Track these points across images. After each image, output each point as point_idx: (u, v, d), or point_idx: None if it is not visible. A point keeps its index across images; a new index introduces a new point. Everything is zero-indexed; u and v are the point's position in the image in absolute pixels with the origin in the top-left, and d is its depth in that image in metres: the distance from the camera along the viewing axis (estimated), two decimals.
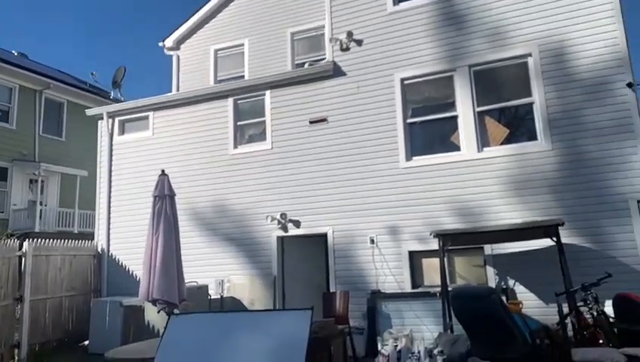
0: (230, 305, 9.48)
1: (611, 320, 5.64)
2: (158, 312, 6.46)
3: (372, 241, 8.96)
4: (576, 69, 8.11)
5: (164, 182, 6.42)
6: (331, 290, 9.01)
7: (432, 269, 8.44)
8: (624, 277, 6.93)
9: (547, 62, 8.32)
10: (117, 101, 15.40)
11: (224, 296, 9.66)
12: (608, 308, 5.83)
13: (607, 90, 7.85)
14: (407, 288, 8.59)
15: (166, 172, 6.82)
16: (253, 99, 10.67)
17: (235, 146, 10.54)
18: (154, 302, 6.28)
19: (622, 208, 7.55)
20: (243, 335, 4.62)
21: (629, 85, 7.62)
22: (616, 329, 5.48)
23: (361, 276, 8.97)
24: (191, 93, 11.30)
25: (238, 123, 10.68)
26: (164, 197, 6.33)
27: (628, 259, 7.37)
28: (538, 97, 8.29)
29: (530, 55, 8.46)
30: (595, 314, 5.75)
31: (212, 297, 9.53)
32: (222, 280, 9.81)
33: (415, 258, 8.76)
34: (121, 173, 11.43)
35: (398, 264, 8.75)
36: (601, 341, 5.57)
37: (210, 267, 9.93)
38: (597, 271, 6.57)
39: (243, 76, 12.74)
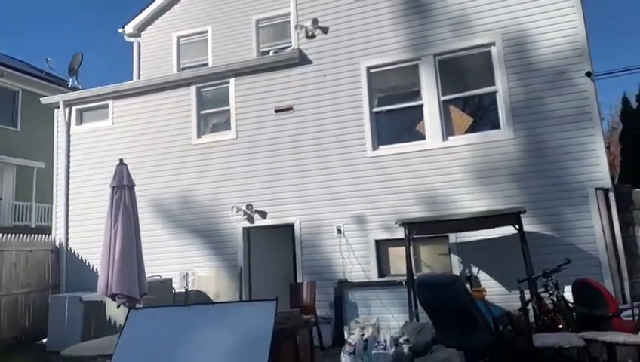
0: (195, 299, 9.28)
1: (570, 305, 5.78)
2: (118, 307, 6.22)
3: (339, 231, 8.93)
4: (537, 59, 8.23)
5: (123, 171, 6.16)
6: (298, 281, 8.95)
7: (398, 258, 8.47)
8: (582, 263, 7.12)
9: (510, 52, 8.40)
10: (75, 89, 14.81)
11: (189, 289, 9.45)
12: (567, 294, 5.98)
13: (567, 80, 8.00)
14: (374, 277, 8.61)
15: (127, 162, 6.55)
16: (217, 87, 10.41)
17: (199, 136, 10.29)
18: (113, 296, 6.04)
19: (581, 196, 7.74)
20: (205, 328, 4.49)
21: (588, 74, 7.78)
22: (574, 314, 5.61)
23: (329, 266, 8.94)
24: (152, 80, 10.95)
25: (202, 112, 10.42)
26: (123, 187, 6.07)
27: (586, 245, 7.57)
28: (501, 86, 8.38)
29: (493, 44, 8.53)
30: (555, 299, 5.87)
31: (176, 291, 9.30)
32: (186, 273, 9.60)
33: (382, 247, 8.78)
34: (79, 164, 11.00)
35: (364, 253, 8.75)
36: (560, 326, 5.70)
37: (175, 260, 9.70)
38: (557, 258, 6.72)
39: (207, 64, 12.41)
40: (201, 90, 10.52)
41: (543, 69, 8.17)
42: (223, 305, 5.14)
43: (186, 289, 9.46)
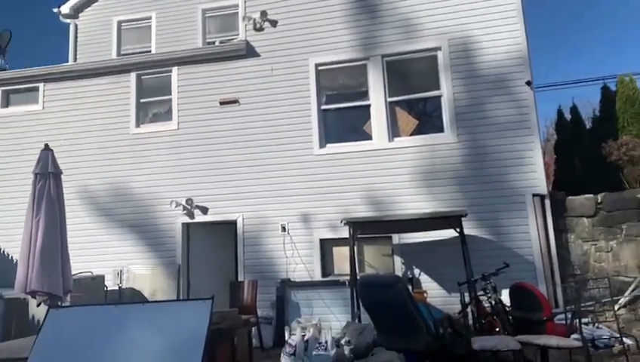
0: (129, 297, 8.77)
1: (507, 308, 5.89)
2: (38, 305, 5.69)
3: (283, 229, 8.73)
4: (481, 65, 8.41)
5: (48, 157, 5.63)
6: (240, 280, 8.66)
7: (342, 258, 8.39)
8: (518, 268, 7.31)
9: (455, 57, 8.54)
10: (2, 70, 13.68)
11: (123, 287, 8.92)
12: (504, 297, 6.10)
13: (508, 88, 8.23)
14: (318, 276, 8.48)
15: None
16: (158, 75, 9.94)
17: (138, 125, 9.77)
18: (33, 293, 5.51)
19: (518, 201, 7.97)
20: (134, 329, 4.16)
21: (528, 83, 8.03)
22: (511, 317, 5.72)
23: (272, 264, 8.72)
24: (89, 64, 10.29)
25: (142, 100, 9.90)
26: (48, 175, 5.55)
27: (522, 250, 7.80)
28: (446, 90, 8.50)
29: (439, 49, 8.64)
30: (493, 302, 5.97)
31: (109, 289, 8.74)
32: (120, 270, 9.06)
33: (326, 246, 8.67)
34: (3, 150, 10.13)
35: (309, 252, 8.60)
36: (497, 328, 5.80)
37: (108, 256, 9.13)
38: (495, 262, 6.84)
39: (149, 52, 11.80)
40: (142, 77, 10.00)
41: (487, 75, 8.36)
42: (155, 304, 4.82)
43: (120, 287, 8.93)
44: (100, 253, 9.11)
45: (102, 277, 8.62)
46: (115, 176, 9.50)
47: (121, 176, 9.48)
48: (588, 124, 12.19)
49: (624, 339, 5.64)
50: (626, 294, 7.42)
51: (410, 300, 5.22)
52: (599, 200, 8.04)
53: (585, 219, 8.08)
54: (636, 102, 9.21)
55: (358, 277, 7.29)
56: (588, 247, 8.00)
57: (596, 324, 6.50)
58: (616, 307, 7.33)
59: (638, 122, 9.06)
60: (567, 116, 11.98)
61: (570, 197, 8.18)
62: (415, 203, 8.23)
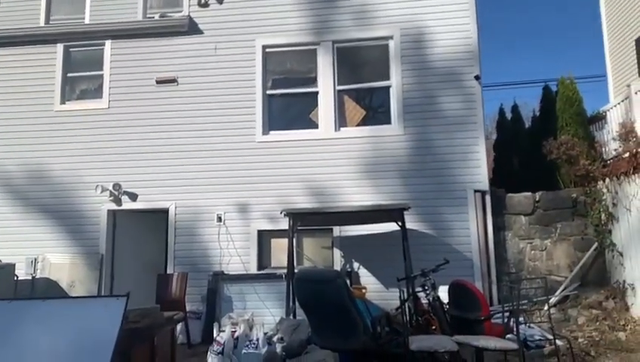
0: (43, 288, 8.02)
1: (445, 306, 5.75)
2: None
3: (219, 219, 8.24)
4: (431, 57, 8.26)
5: None
6: (170, 272, 8.10)
7: (280, 250, 8.02)
8: (457, 264, 7.12)
9: (406, 47, 8.35)
10: None
11: (37, 276, 8.14)
12: (443, 294, 5.96)
13: (457, 81, 8.13)
14: (253, 269, 8.07)
15: None
16: (89, 48, 9.11)
17: (63, 102, 8.93)
18: None
19: (460, 197, 7.90)
20: (30, 329, 3.61)
21: (477, 78, 7.96)
22: (448, 316, 5.58)
23: (205, 256, 8.21)
24: (9, 32, 9.26)
25: (69, 74, 9.04)
26: None
27: (461, 246, 7.74)
28: (395, 81, 8.29)
29: (391, 38, 8.41)
30: (431, 299, 5.81)
31: (20, 278, 7.92)
32: (35, 259, 8.25)
33: (264, 238, 8.27)
34: None
35: (245, 244, 8.17)
36: (434, 327, 5.64)
37: (21, 243, 8.30)
38: (435, 258, 6.66)
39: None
40: (70, 49, 9.14)
41: (436, 68, 8.22)
42: (59, 301, 4.24)
43: (33, 277, 8.15)
44: (11, 238, 8.28)
45: (11, 266, 7.76)
46: (35, 156, 8.64)
47: (41, 157, 8.62)
48: (527, 124, 12.45)
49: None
50: (557, 293, 7.52)
51: (349, 297, 4.93)
52: (537, 199, 8.12)
53: (522, 217, 8.13)
54: (575, 103, 9.39)
55: (296, 271, 6.97)
56: (524, 245, 8.06)
57: (528, 324, 6.50)
58: (545, 307, 7.42)
59: (576, 123, 9.23)
60: (508, 115, 12.15)
61: (509, 195, 8.21)
62: (358, 195, 7.98)
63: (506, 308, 5.15)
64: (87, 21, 11.00)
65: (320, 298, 4.91)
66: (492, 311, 5.52)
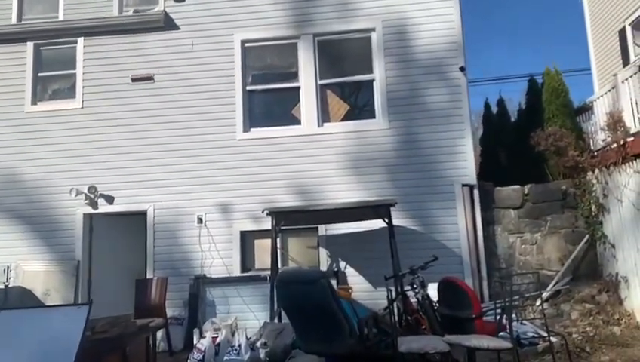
0: (17, 297, 7.67)
1: (435, 304, 5.54)
2: None
3: (200, 221, 7.94)
4: (415, 49, 8.05)
5: None
6: (149, 276, 7.78)
7: (264, 251, 7.72)
8: (445, 261, 6.86)
9: (389, 39, 8.12)
10: None
11: (9, 285, 7.77)
12: (432, 291, 5.74)
13: (442, 73, 7.92)
14: (237, 272, 7.79)
15: None
16: (61, 46, 8.77)
17: (34, 102, 8.57)
18: None
19: (448, 191, 7.69)
20: None
21: (462, 69, 7.77)
22: (438, 314, 5.36)
23: (186, 259, 7.91)
24: None
25: (40, 74, 8.69)
26: None
27: (450, 242, 7.53)
28: (379, 74, 8.07)
29: (374, 30, 8.18)
30: (420, 298, 5.59)
31: None
32: (7, 267, 7.89)
33: (247, 239, 7.99)
34: None
35: (227, 245, 7.88)
36: (424, 326, 5.42)
37: None
38: (423, 254, 6.44)
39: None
40: (41, 47, 8.78)
41: (420, 60, 8.01)
42: (17, 312, 3.94)
43: (6, 286, 7.80)
44: None
45: None
46: (5, 159, 8.29)
47: (11, 161, 8.27)
48: (513, 118, 12.33)
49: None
50: (549, 288, 7.35)
51: (334, 298, 4.68)
52: (526, 192, 7.94)
53: (512, 211, 7.95)
54: (561, 94, 9.26)
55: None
56: (514, 240, 7.88)
57: (521, 321, 6.31)
58: (537, 302, 7.25)
59: (562, 114, 9.10)
60: (494, 109, 12.01)
61: (497, 188, 8.02)
62: (343, 192, 7.74)
63: (497, 305, 4.96)
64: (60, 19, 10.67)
65: (303, 300, 4.66)
66: (484, 309, 5.31)
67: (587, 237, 7.54)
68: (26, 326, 3.32)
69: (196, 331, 6.46)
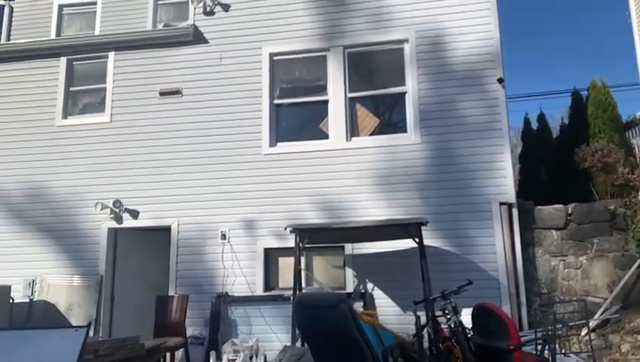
0: (41, 311, 7.65)
1: (468, 332, 5.08)
2: None
3: (224, 237, 7.73)
4: (450, 60, 7.67)
5: None
6: (172, 293, 7.60)
7: (289, 270, 7.37)
8: (481, 284, 6.38)
9: (423, 51, 7.78)
10: None
11: (34, 299, 7.75)
12: (464, 318, 5.28)
13: (478, 85, 7.50)
14: (259, 291, 7.50)
15: None
16: (93, 61, 8.85)
17: (65, 116, 8.65)
18: None
19: (484, 210, 7.20)
20: None
21: (500, 81, 7.33)
22: (473, 345, 4.90)
23: (209, 276, 7.69)
24: (10, 45, 9.11)
25: (71, 88, 8.78)
26: None
27: (486, 265, 7.02)
28: (411, 87, 7.72)
29: (406, 41, 7.86)
30: (452, 325, 5.14)
31: (16, 301, 7.55)
32: (33, 280, 7.88)
33: (271, 256, 7.71)
34: None
35: (251, 263, 7.62)
36: (457, 356, 4.96)
37: (19, 263, 7.95)
38: (456, 277, 6.02)
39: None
40: (73, 63, 8.89)
41: (455, 71, 7.63)
42: (9, 333, 3.76)
43: (31, 300, 7.78)
44: (8, 259, 7.93)
45: (7, 288, 7.42)
46: (34, 173, 8.33)
47: (40, 174, 8.31)
48: (555, 134, 11.69)
49: None
50: (595, 317, 6.71)
51: (356, 325, 4.31)
52: (569, 211, 7.36)
53: (554, 232, 7.37)
54: (609, 108, 8.65)
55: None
56: (556, 263, 7.29)
57: (565, 352, 5.74)
58: (583, 332, 6.63)
59: (610, 129, 8.49)
60: (534, 125, 11.43)
61: (538, 207, 7.48)
62: (372, 209, 7.38)
63: (539, 335, 4.47)
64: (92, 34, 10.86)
65: (322, 326, 4.31)
66: (523, 341, 4.81)
67: (639, 261, 6.87)
68: (20, 348, 3.12)
69: (212, 354, 6.19)
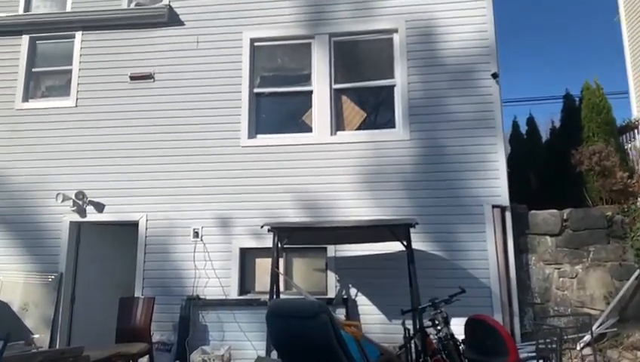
0: None
1: (459, 344, 4.61)
2: None
3: (196, 235, 7.15)
4: (442, 53, 7.22)
5: None
6: (138, 294, 6.99)
7: (266, 272, 6.83)
8: (472, 292, 5.86)
9: (413, 42, 7.31)
10: None
11: None
12: (454, 327, 4.81)
13: (471, 80, 7.06)
14: (234, 294, 6.94)
15: None
16: (58, 40, 8.17)
17: (26, 99, 7.96)
18: None
19: (476, 213, 6.78)
20: None
21: (494, 76, 6.90)
22: (466, 360, 4.43)
23: (179, 277, 7.10)
24: None
25: (34, 69, 8.09)
26: None
27: (478, 271, 6.58)
28: (400, 80, 7.25)
29: (396, 31, 7.39)
30: (442, 337, 4.67)
31: None
32: None
33: (247, 257, 7.17)
34: None
35: (225, 264, 7.06)
36: None
37: None
38: (446, 284, 5.58)
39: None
40: (37, 41, 8.20)
41: (448, 65, 7.18)
42: None
43: None
44: None
45: None
46: None
47: None
48: (544, 137, 11.40)
49: None
50: (594, 329, 6.31)
51: (337, 337, 3.80)
52: (565, 217, 6.96)
53: (548, 238, 6.97)
54: (603, 111, 8.31)
55: (281, 296, 5.87)
56: (550, 271, 6.88)
57: None
58: (579, 345, 6.24)
59: (604, 132, 8.14)
60: (523, 129, 11.10)
61: (532, 212, 7.07)
62: (356, 208, 6.89)
63: (541, 348, 4.03)
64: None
65: (299, 338, 3.78)
66: (522, 357, 4.36)
67: (638, 272, 6.50)
68: None
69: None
